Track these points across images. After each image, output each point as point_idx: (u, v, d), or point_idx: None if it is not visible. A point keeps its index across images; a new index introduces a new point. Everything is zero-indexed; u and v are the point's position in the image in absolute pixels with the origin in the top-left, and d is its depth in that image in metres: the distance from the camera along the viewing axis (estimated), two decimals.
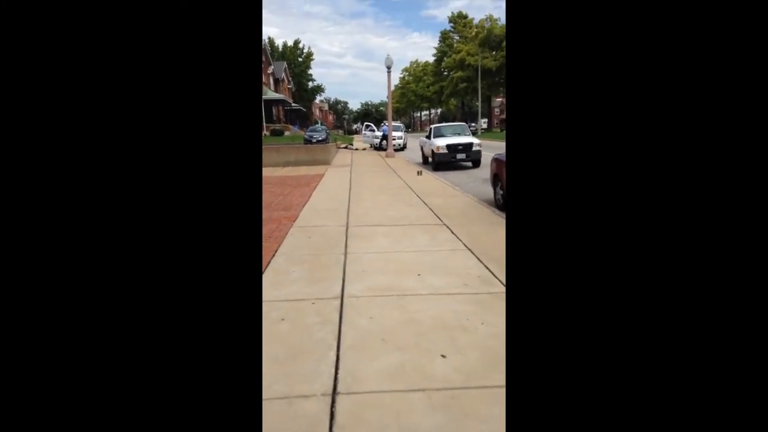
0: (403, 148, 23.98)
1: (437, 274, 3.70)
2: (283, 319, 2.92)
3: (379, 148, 23.43)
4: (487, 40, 42.03)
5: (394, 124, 22.55)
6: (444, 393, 2.07)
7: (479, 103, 45.81)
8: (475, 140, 13.67)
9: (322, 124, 36.07)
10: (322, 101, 72.11)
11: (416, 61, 72.01)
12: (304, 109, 49.22)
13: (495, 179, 7.19)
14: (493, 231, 5.15)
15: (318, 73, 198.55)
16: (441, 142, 13.49)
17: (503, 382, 2.07)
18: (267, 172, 13.05)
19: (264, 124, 33.29)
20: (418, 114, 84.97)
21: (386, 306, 3.09)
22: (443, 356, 2.39)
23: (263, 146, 18.18)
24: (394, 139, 20.45)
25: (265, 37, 43.08)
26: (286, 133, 32.91)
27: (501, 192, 6.81)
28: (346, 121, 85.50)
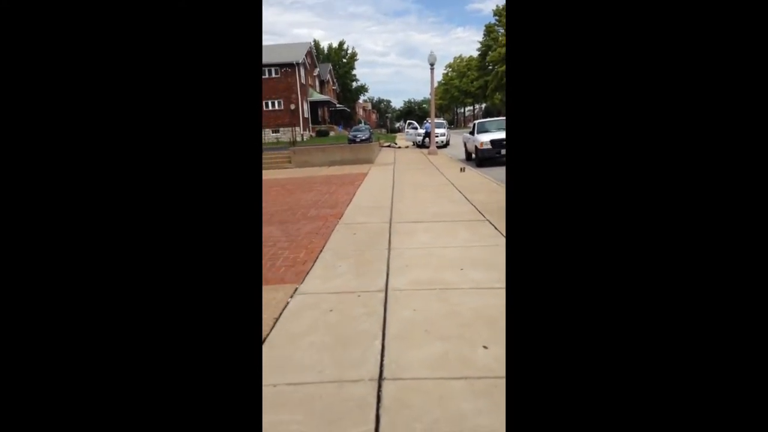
0: (446, 144, 23.62)
1: (479, 269, 3.74)
2: (331, 310, 3.08)
3: (421, 145, 23.26)
4: None
5: (436, 120, 22.23)
6: (486, 381, 2.14)
7: None
8: None
9: (365, 124, 36.54)
10: (365, 101, 72.85)
11: (460, 56, 71.26)
12: (348, 110, 49.90)
13: None
14: None
15: (362, 72, 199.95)
16: (485, 138, 13.29)
17: None
18: (313, 171, 13.52)
19: (310, 125, 34.14)
20: (462, 110, 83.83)
21: (429, 299, 3.18)
22: (485, 347, 2.46)
23: (310, 147, 18.74)
24: (436, 136, 20.18)
25: (310, 39, 44.15)
26: (331, 133, 33.69)
27: None
28: (388, 120, 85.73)
